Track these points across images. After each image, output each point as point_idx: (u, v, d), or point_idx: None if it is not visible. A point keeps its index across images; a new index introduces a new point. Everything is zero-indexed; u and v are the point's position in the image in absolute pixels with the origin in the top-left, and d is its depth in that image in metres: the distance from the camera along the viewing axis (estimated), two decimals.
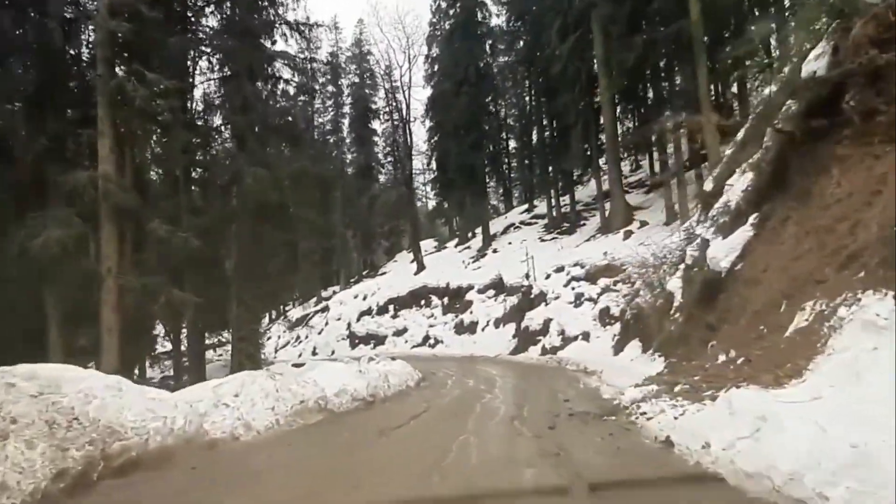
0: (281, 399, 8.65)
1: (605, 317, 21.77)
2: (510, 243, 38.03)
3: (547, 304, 25.16)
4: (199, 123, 22.77)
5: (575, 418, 8.54)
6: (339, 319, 43.04)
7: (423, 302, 37.81)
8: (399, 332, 37.49)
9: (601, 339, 21.06)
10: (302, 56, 22.68)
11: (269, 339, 53.59)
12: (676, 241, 16.33)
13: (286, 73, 22.99)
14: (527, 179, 43.56)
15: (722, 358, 8.55)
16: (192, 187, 22.83)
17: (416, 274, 41.29)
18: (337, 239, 51.71)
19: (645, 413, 7.60)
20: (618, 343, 19.19)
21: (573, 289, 24.60)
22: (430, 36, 46.80)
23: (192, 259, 20.30)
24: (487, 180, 42.86)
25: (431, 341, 34.54)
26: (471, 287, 34.79)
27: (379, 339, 38.45)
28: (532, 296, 26.46)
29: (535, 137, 41.64)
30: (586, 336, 21.84)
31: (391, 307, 39.51)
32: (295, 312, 54.17)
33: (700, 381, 8.13)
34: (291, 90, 23.55)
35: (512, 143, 49.28)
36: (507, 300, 30.63)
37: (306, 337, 46.00)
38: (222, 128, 22.92)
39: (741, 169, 11.53)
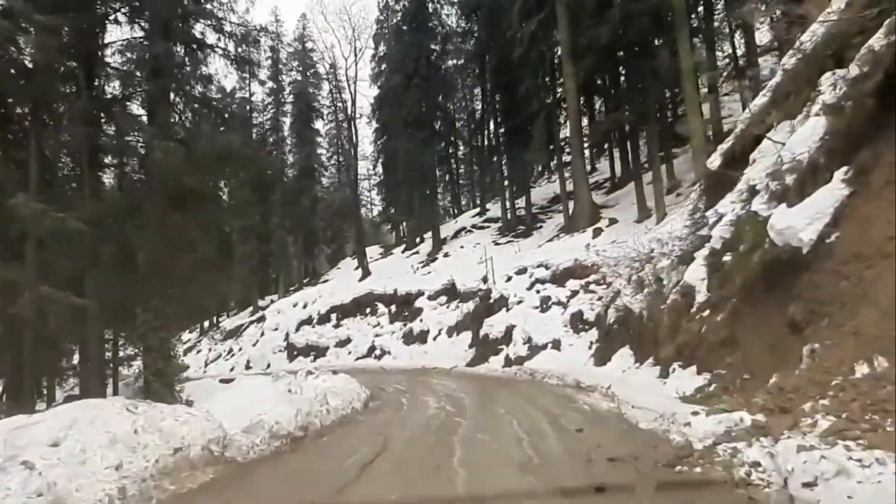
0: (139, 448, 5.04)
1: (577, 322, 18.71)
2: (462, 247, 34.81)
3: (509, 310, 21.96)
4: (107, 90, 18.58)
5: (624, 468, 5.22)
6: (276, 330, 38.66)
7: (368, 310, 34.04)
8: (342, 343, 33.56)
9: (575, 346, 17.96)
10: (233, 21, 18.68)
11: (198, 352, 48.48)
12: (675, 230, 13.39)
13: (212, 38, 19.01)
14: (479, 182, 40.50)
15: (836, 369, 5.40)
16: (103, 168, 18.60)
17: (360, 280, 37.51)
18: (276, 243, 47.31)
19: (760, 466, 4.32)
20: (599, 351, 16.12)
21: (538, 292, 21.50)
22: (377, 34, 43.46)
23: (94, 254, 16.27)
24: (438, 180, 39.67)
25: (378, 352, 30.80)
26: (421, 293, 31.30)
27: (320, 351, 34.38)
28: (491, 300, 23.22)
29: (488, 137, 38.72)
30: (556, 344, 18.72)
31: (333, 316, 35.53)
32: (228, 323, 49.23)
33: (817, 408, 4.93)
34: (220, 62, 19.52)
35: (462, 149, 46.32)
36: (462, 307, 27.33)
37: (239, 349, 41.32)
38: (132, 97, 18.73)
39: (796, 121, 8.62)
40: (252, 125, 49.59)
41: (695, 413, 6.09)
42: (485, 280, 25.48)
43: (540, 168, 37.79)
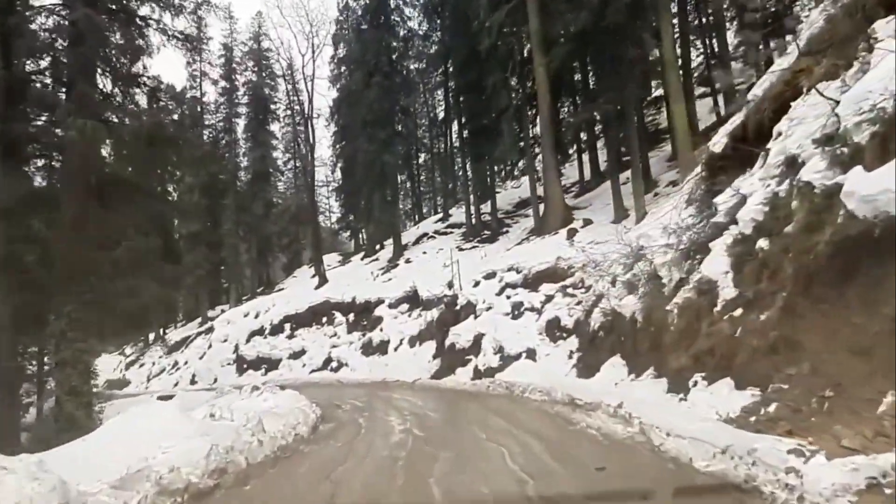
0: None
1: (554, 329, 16.70)
2: (425, 253, 32.63)
3: (477, 317, 19.85)
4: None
5: None
6: (224, 341, 35.63)
7: (324, 319, 31.47)
8: (296, 355, 30.87)
9: (553, 356, 15.93)
10: None
11: (141, 366, 44.80)
12: (672, 223, 11.51)
13: (145, 9, 16.47)
14: (442, 186, 38.45)
15: None
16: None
17: (317, 288, 34.89)
18: (227, 250, 44.16)
19: None
20: (583, 361, 14.13)
21: (509, 297, 19.47)
22: (336, 34, 41.18)
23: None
24: (400, 184, 37.39)
25: (334, 364, 28.27)
26: (381, 301, 28.95)
27: (272, 364, 31.58)
28: (457, 307, 21.07)
29: (451, 140, 36.77)
30: (531, 354, 16.67)
31: (287, 326, 32.79)
32: (175, 334, 45.71)
33: None
34: (156, 38, 16.90)
35: (423, 154, 44.28)
36: (425, 315, 25.12)
37: (185, 363, 38.02)
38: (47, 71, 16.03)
39: (848, 75, 6.81)
40: (203, 125, 46.55)
41: (797, 453, 4.05)
42: (450, 286, 23.35)
43: (504, 172, 36.03)
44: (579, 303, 16.39)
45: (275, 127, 49.05)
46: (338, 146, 44.13)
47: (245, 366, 33.28)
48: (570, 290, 17.31)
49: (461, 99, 31.92)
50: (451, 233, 34.48)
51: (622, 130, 20.83)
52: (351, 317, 30.24)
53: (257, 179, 45.46)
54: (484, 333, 18.75)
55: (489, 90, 23.83)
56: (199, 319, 44.25)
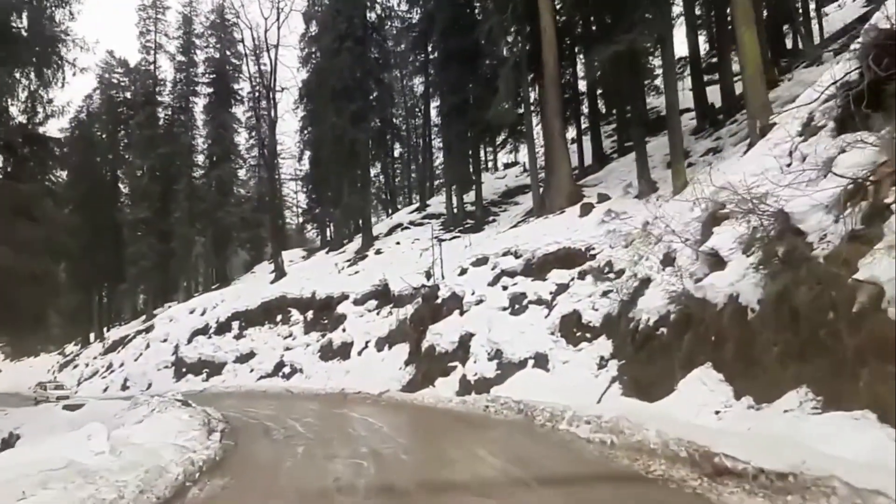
0: None
1: (572, 328, 11.93)
2: (398, 243, 27.66)
3: (464, 312, 14.97)
4: None
5: None
6: (164, 341, 30.05)
7: (279, 317, 26.24)
8: (243, 358, 25.57)
9: (573, 364, 11.15)
10: None
11: (75, 367, 38.68)
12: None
13: None
14: (419, 172, 33.40)
15: None
16: None
17: (273, 282, 29.59)
18: (178, 241, 38.36)
19: None
20: (629, 373, 9.36)
21: (505, 288, 14.66)
22: (307, 13, 36.20)
23: None
24: (371, 163, 32.33)
25: (287, 369, 23.10)
26: (344, 297, 23.91)
27: (215, 368, 26.19)
28: (438, 300, 16.14)
29: (431, 123, 31.88)
30: (541, 360, 11.85)
31: (235, 324, 27.44)
32: (115, 333, 39.71)
33: None
34: None
35: (400, 130, 39.14)
36: (397, 312, 20.22)
37: (121, 365, 32.24)
38: None
39: None
40: (156, 103, 40.84)
41: None
42: (428, 275, 18.43)
43: (494, 150, 31.23)
44: (608, 292, 11.61)
45: (238, 110, 43.49)
46: (305, 132, 38.99)
47: (184, 370, 27.75)
48: (591, 276, 12.54)
49: (443, 74, 27.04)
50: (429, 223, 29.52)
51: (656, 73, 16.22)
52: (310, 315, 25.07)
53: (216, 164, 39.87)
54: (473, 333, 13.90)
55: (486, 35, 19.03)
56: (144, 317, 38.34)
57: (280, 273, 29.67)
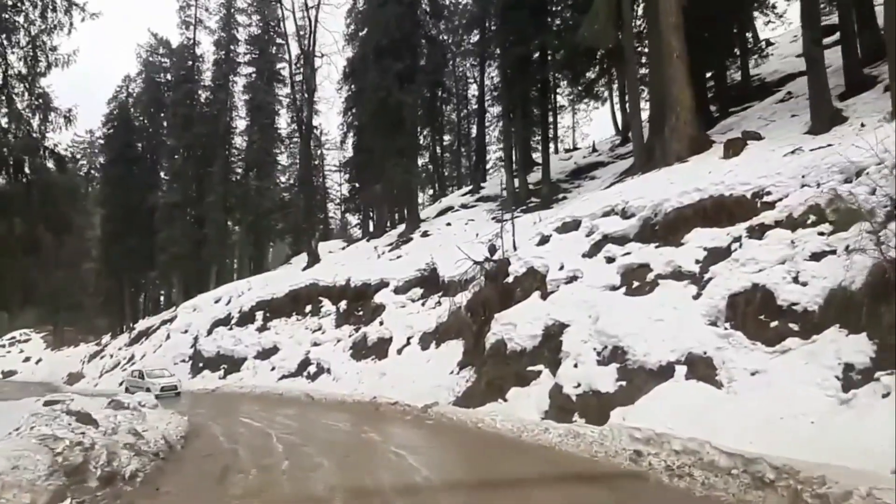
0: None
1: (759, 312, 6.80)
2: (449, 224, 22.90)
3: (549, 293, 10.05)
4: None
5: None
6: (185, 332, 26.10)
7: (308, 308, 21.81)
8: (265, 353, 21.24)
9: (772, 375, 5.93)
10: None
11: (102, 357, 35.37)
12: None
13: None
14: (478, 143, 28.28)
15: None
16: None
17: (305, 269, 25.20)
18: (210, 227, 34.63)
19: None
20: None
21: (611, 259, 9.70)
22: None
23: None
24: (419, 134, 27.61)
25: (312, 368, 18.62)
26: (383, 284, 19.35)
27: (233, 364, 21.96)
28: (510, 279, 11.26)
29: (487, 85, 26.93)
30: (701, 366, 6.90)
31: (259, 314, 23.18)
32: (143, 323, 36.22)
33: None
34: None
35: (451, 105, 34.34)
36: (447, 303, 15.43)
37: (142, 357, 28.49)
38: None
39: None
40: (194, 80, 37.42)
41: None
42: (492, 250, 13.49)
43: (548, 134, 26.03)
44: (826, 253, 6.43)
45: (280, 93, 39.62)
46: (349, 114, 34.69)
47: (201, 364, 23.65)
48: (777, 233, 7.36)
49: (504, 24, 22.01)
50: (485, 205, 24.65)
51: None
52: (342, 305, 20.51)
53: (254, 147, 36.09)
54: (566, 323, 9.00)
55: None
56: (174, 308, 34.74)
57: (314, 259, 25.32)
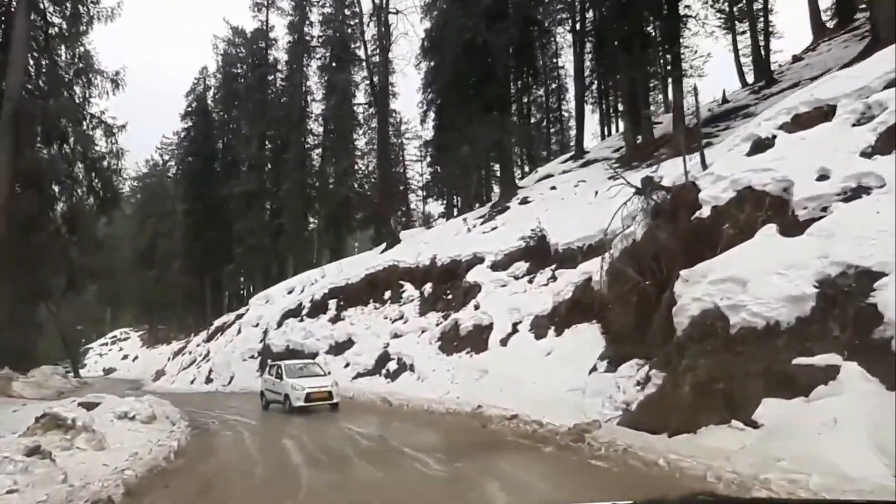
0: None
1: None
2: (554, 188, 18.30)
3: (803, 224, 5.14)
4: None
5: None
6: (255, 325, 23.04)
7: (387, 294, 17.96)
8: (339, 348, 17.59)
9: None
10: None
11: (183, 355, 33.56)
12: None
13: None
14: (580, 103, 23.08)
15: None
16: None
17: (384, 251, 21.37)
18: (287, 216, 31.89)
19: None
20: None
21: None
22: None
23: None
24: (513, 85, 23.08)
25: (392, 365, 14.72)
26: (477, 260, 15.13)
27: (304, 359, 18.29)
28: (704, 211, 6.43)
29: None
30: None
31: (332, 303, 19.61)
32: (223, 318, 34.06)
33: None
34: None
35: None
36: (565, 276, 11.06)
37: (215, 353, 25.86)
38: None
39: None
40: (267, 64, 35.00)
41: None
42: (647, 185, 8.70)
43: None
44: None
45: (357, 76, 36.37)
46: (429, 91, 30.74)
47: (270, 360, 20.49)
48: None
49: None
50: (591, 168, 19.75)
51: None
52: (427, 289, 16.43)
53: (329, 132, 33.06)
54: (876, 270, 3.97)
55: None
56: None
57: (392, 240, 21.55)
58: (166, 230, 44.19)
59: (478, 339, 12.64)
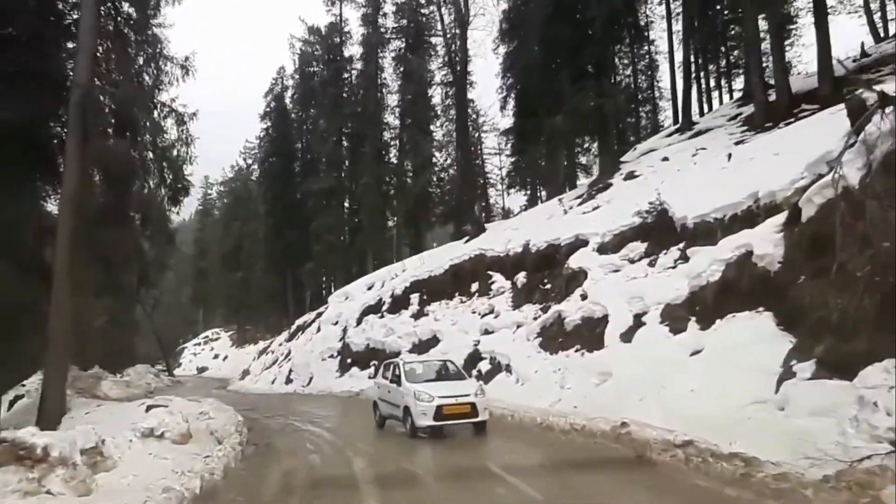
0: None
1: None
2: (666, 159, 15.51)
3: None
4: None
5: None
6: (335, 324, 21.76)
7: (474, 286, 15.92)
8: (423, 346, 15.74)
9: None
10: None
11: (267, 354, 33.23)
12: None
13: None
14: (687, 66, 19.81)
15: None
16: None
17: (468, 241, 19.36)
18: (365, 212, 30.68)
19: None
20: None
21: None
22: None
23: None
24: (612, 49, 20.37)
25: (484, 365, 12.78)
26: (580, 243, 12.79)
27: (385, 359, 16.49)
28: None
29: None
30: None
31: (414, 297, 17.85)
32: (304, 318, 33.44)
33: None
34: None
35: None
36: (701, 256, 8.53)
37: (295, 353, 24.93)
38: None
39: None
40: (341, 57, 34.05)
41: None
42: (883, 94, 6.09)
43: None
44: None
45: (433, 66, 34.67)
46: (507, 76, 28.48)
47: (349, 360, 18.97)
48: None
49: None
50: (703, 139, 16.78)
51: None
52: (520, 278, 14.24)
53: (406, 124, 31.54)
54: None
55: None
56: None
57: (477, 228, 19.53)
58: (250, 232, 44.85)
59: (589, 334, 10.34)
